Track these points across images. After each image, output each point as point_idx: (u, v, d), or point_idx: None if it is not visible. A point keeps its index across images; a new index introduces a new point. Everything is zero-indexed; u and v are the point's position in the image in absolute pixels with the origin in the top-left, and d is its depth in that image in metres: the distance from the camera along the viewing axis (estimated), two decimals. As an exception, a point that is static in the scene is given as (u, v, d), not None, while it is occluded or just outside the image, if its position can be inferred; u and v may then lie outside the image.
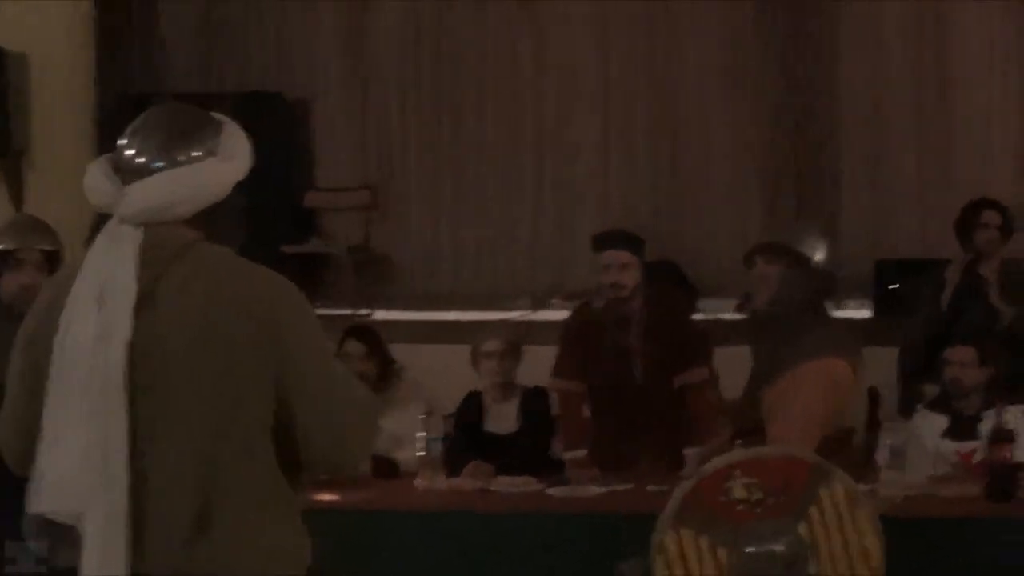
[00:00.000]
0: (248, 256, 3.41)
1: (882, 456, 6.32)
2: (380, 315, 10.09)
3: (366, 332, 7.90)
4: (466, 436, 7.49)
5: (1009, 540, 6.11)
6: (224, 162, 3.37)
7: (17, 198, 10.36)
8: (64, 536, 3.44)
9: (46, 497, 3.23)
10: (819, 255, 5.26)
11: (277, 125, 10.73)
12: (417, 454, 7.07)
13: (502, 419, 7.53)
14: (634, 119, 10.47)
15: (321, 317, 8.14)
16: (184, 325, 3.25)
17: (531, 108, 10.70)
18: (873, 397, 6.09)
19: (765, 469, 4.70)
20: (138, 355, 3.21)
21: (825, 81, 10.38)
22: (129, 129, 3.41)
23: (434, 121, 10.78)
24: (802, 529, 4.62)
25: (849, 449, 5.03)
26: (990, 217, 8.09)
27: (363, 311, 10.19)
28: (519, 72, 10.67)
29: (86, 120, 10.59)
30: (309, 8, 11.08)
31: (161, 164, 3.30)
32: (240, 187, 3.37)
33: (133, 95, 10.81)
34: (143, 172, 3.30)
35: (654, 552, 4.69)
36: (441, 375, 8.08)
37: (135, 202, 3.28)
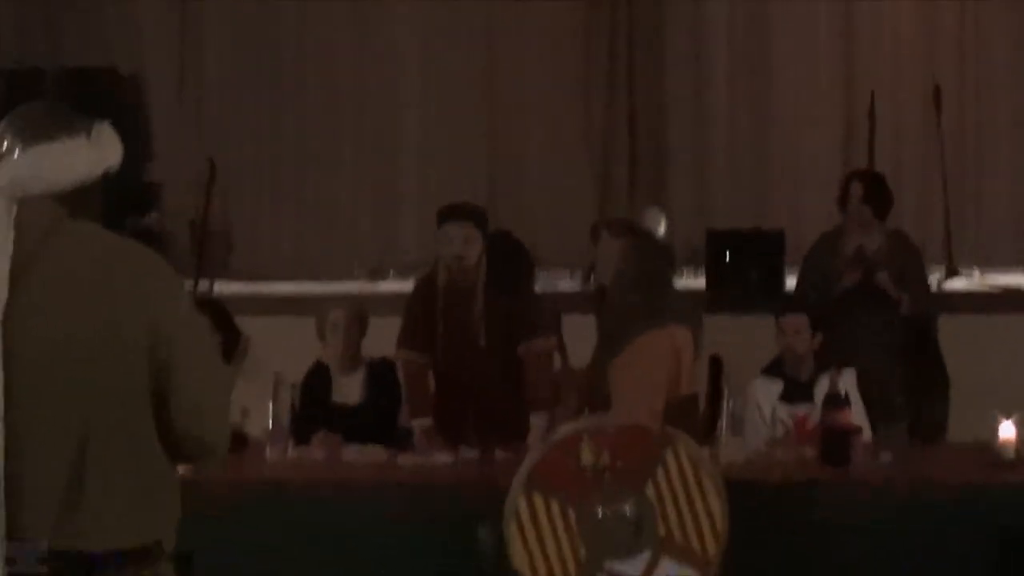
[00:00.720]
0: None
1: (724, 422, 6.53)
2: (220, 288, 10.09)
3: (213, 305, 7.85)
4: (313, 407, 7.43)
5: (842, 502, 6.25)
6: (94, 147, 3.44)
7: None
8: None
9: None
10: (660, 229, 5.40)
11: (113, 99, 10.75)
12: (266, 425, 7.13)
13: (349, 390, 7.50)
14: (467, 99, 10.66)
15: None
16: (61, 300, 3.29)
17: (360, 79, 10.87)
18: (716, 365, 6.26)
19: (612, 436, 4.80)
20: (13, 326, 3.24)
21: (652, 69, 10.63)
22: (6, 117, 3.47)
23: (269, 96, 10.89)
24: (649, 492, 4.73)
25: (694, 415, 5.13)
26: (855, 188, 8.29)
27: (203, 284, 10.11)
28: (352, 47, 10.85)
29: None
30: None
31: (32, 142, 3.37)
32: (107, 177, 3.43)
33: None
34: (15, 149, 3.37)
35: (508, 517, 4.80)
36: (285, 347, 8.02)
37: (10, 171, 3.34)
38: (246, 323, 7.95)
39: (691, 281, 9.56)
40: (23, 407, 3.24)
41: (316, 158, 10.79)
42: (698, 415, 5.18)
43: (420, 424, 7.13)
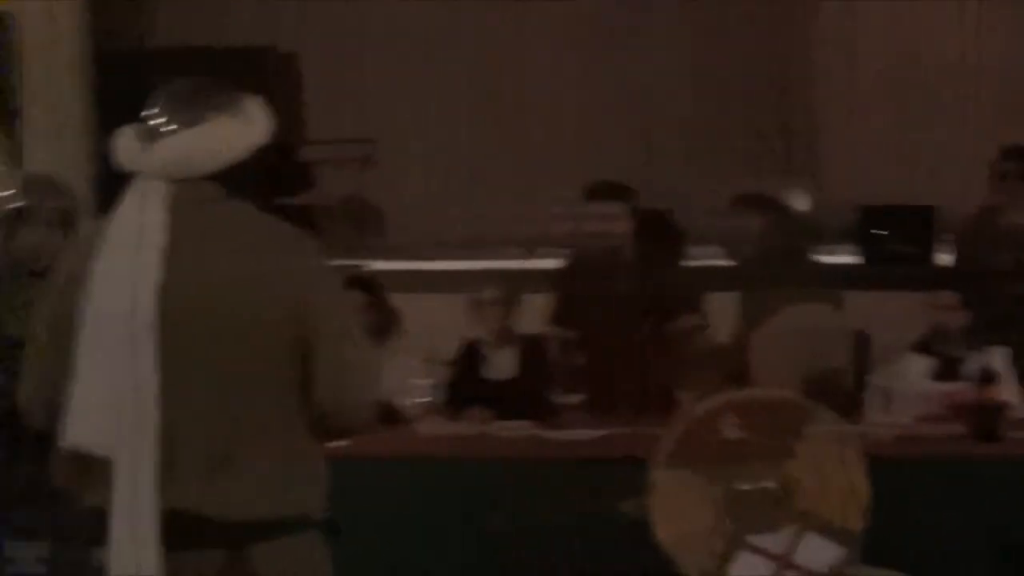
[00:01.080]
0: None
1: (871, 397, 6.56)
2: (376, 266, 10.10)
3: (367, 282, 7.97)
4: (466, 383, 7.58)
5: (993, 478, 6.31)
6: (244, 125, 3.54)
7: (17, 157, 10.54)
8: (89, 476, 3.45)
9: (77, 431, 3.37)
10: (802, 205, 5.43)
11: (268, 78, 10.74)
12: (418, 401, 7.26)
13: (501, 366, 7.61)
14: (620, 74, 10.59)
15: None
16: (211, 276, 3.39)
17: (516, 59, 10.79)
18: (862, 340, 6.29)
19: (753, 410, 4.87)
20: (167, 302, 3.34)
21: (803, 38, 10.48)
22: (154, 96, 3.56)
23: (423, 74, 10.87)
24: (790, 467, 4.79)
25: (836, 390, 5.15)
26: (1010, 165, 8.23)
27: (359, 262, 10.16)
28: (508, 25, 10.80)
29: (78, 77, 10.75)
30: None
31: (183, 124, 3.47)
32: (261, 154, 3.54)
33: (126, 51, 10.99)
34: (167, 133, 3.47)
35: (650, 491, 4.88)
36: (440, 323, 8.15)
37: (162, 158, 3.44)
38: (400, 300, 8.20)
39: (841, 257, 9.54)
40: (175, 377, 3.34)
41: (473, 138, 10.81)
42: (841, 390, 5.17)
43: (570, 400, 7.23)
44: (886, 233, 9.28)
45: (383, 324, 7.77)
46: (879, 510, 5.91)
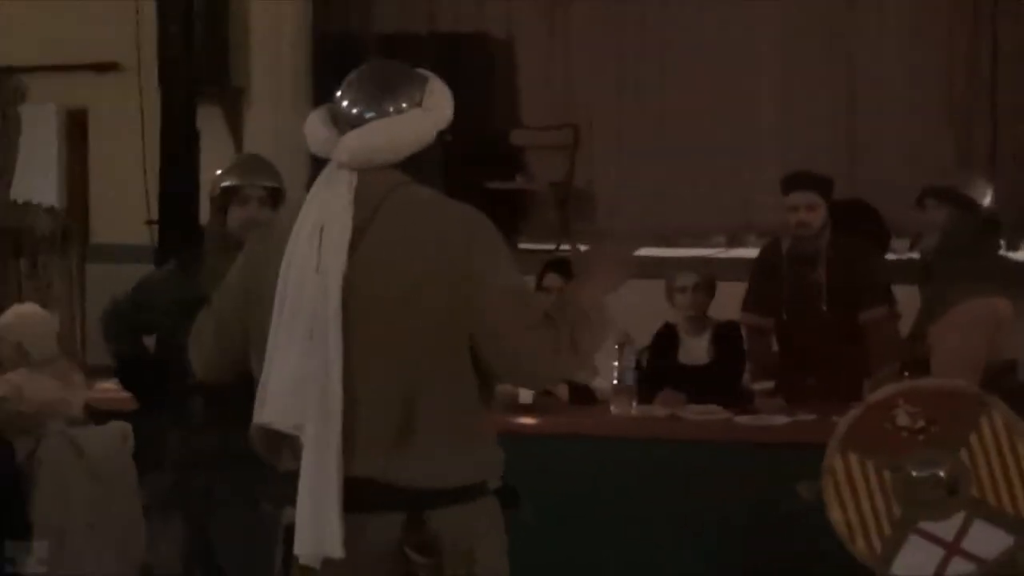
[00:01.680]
0: (454, 194, 3.65)
1: None
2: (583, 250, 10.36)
3: (565, 265, 7.81)
4: (660, 366, 7.61)
5: None
6: (428, 113, 3.63)
7: (236, 133, 10.87)
8: (283, 445, 3.59)
9: (269, 410, 3.52)
10: (986, 198, 5.38)
11: (482, 65, 11.10)
12: (612, 382, 7.33)
13: (694, 351, 7.62)
14: (816, 63, 10.60)
15: (525, 251, 8.43)
16: (392, 260, 3.51)
17: (721, 46, 10.77)
18: None
19: (928, 399, 4.83)
20: (352, 285, 3.48)
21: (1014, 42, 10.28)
22: (344, 82, 3.70)
23: (632, 64, 10.96)
24: (963, 455, 4.74)
25: (1011, 381, 5.08)
26: None
27: (566, 247, 10.39)
28: (714, 15, 10.80)
29: (302, 58, 11.05)
30: None
31: (372, 115, 3.60)
32: (443, 134, 3.63)
33: (345, 34, 11.32)
34: (356, 122, 3.60)
35: (825, 475, 4.86)
36: (636, 308, 8.23)
37: (349, 149, 3.57)
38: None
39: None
40: (359, 357, 3.49)
41: (679, 126, 10.81)
42: (1016, 382, 5.12)
43: (762, 387, 7.30)
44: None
45: None
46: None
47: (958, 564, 4.79)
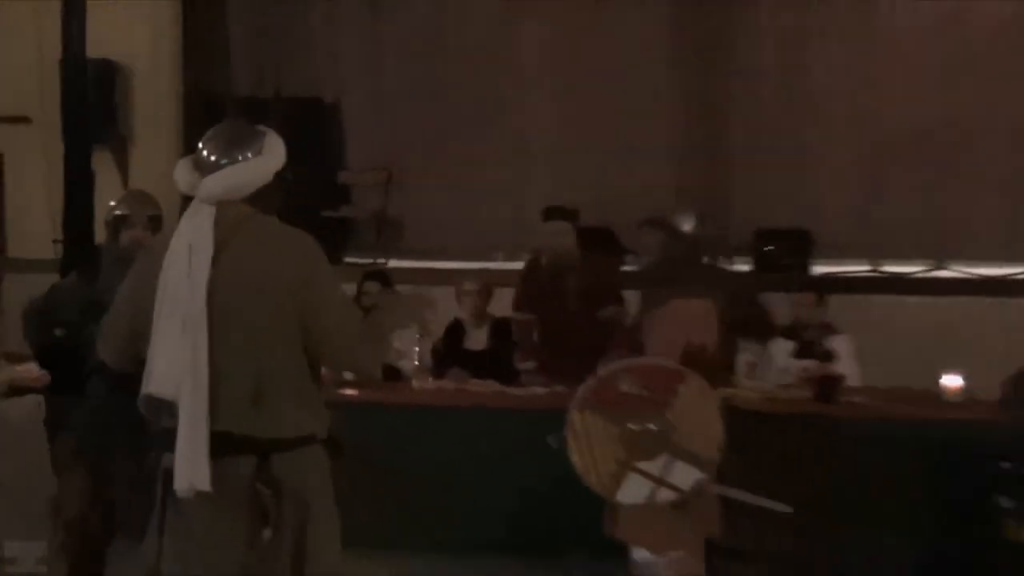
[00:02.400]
0: (293, 220, 3.73)
1: (741, 369, 6.77)
2: (394, 263, 10.26)
3: (380, 275, 8.17)
4: (451, 351, 7.72)
5: (829, 431, 6.47)
6: (266, 159, 3.73)
7: (124, 174, 10.58)
8: (163, 409, 3.59)
9: (154, 382, 3.57)
10: (689, 226, 5.47)
11: (316, 122, 10.98)
12: (414, 363, 7.46)
13: (477, 339, 7.76)
14: (580, 123, 10.53)
15: (351, 265, 8.34)
16: (245, 269, 3.60)
17: (495, 109, 10.77)
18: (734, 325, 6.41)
19: (643, 372, 4.93)
20: (214, 290, 3.57)
21: (721, 84, 10.41)
22: (204, 137, 3.77)
23: (434, 117, 10.89)
24: (668, 413, 4.86)
25: (710, 361, 5.13)
26: None
27: (381, 260, 10.39)
28: (501, 77, 10.78)
29: (174, 114, 10.83)
30: (338, 30, 11.20)
31: (225, 161, 3.67)
32: (283, 175, 3.72)
33: (208, 96, 11.08)
34: (213, 168, 3.67)
35: (567, 427, 4.95)
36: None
37: (209, 188, 3.65)
38: (406, 289, 8.31)
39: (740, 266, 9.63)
40: (220, 342, 3.57)
41: (469, 162, 10.78)
42: (713, 362, 5.16)
43: (526, 367, 7.37)
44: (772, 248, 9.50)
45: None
46: (745, 452, 6.10)
47: (664, 492, 4.90)
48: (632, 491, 4.92)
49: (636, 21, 10.42)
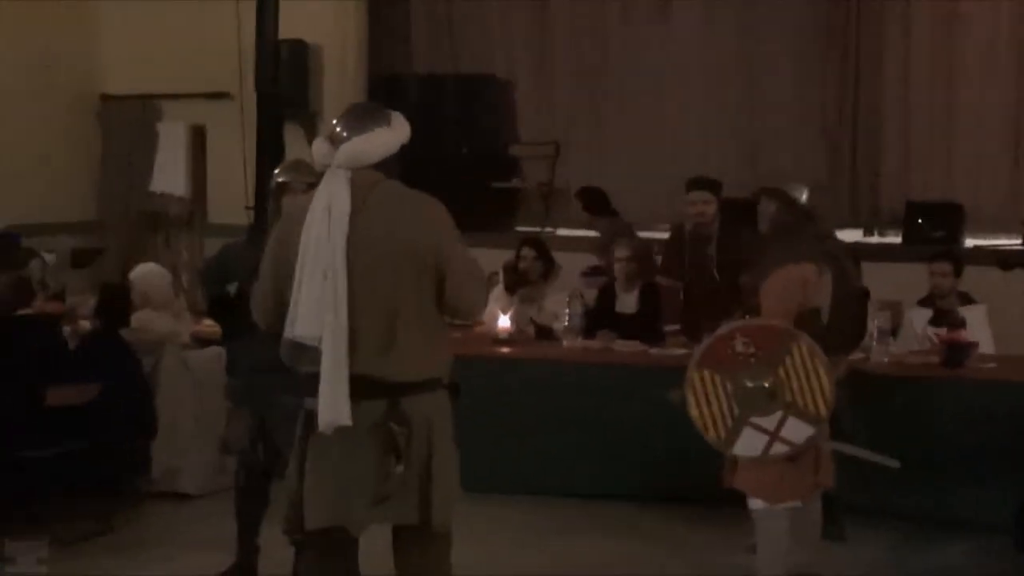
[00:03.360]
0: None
1: (873, 334, 6.74)
2: (562, 232, 10.52)
3: (537, 242, 8.34)
4: (602, 314, 7.77)
5: (959, 395, 6.54)
6: (392, 131, 3.91)
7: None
8: (304, 355, 3.77)
9: (298, 327, 3.75)
10: (803, 197, 5.51)
11: (490, 97, 11.27)
12: (563, 324, 7.64)
13: (627, 303, 7.80)
14: (728, 100, 10.69)
15: (520, 232, 8.47)
16: (379, 227, 3.80)
17: (656, 86, 10.91)
18: (865, 293, 6.48)
19: (756, 332, 4.98)
20: (352, 245, 3.77)
21: (871, 64, 10.32)
22: (339, 116, 3.97)
23: (599, 93, 11.11)
24: (780, 372, 4.89)
25: (816, 321, 5.16)
26: None
27: (549, 229, 10.57)
28: (650, 63, 10.94)
29: (358, 90, 11.19)
30: (510, 12, 11.49)
31: (356, 133, 3.86)
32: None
33: (392, 74, 11.47)
34: (346, 139, 3.87)
35: (686, 385, 5.01)
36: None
37: (343, 155, 3.84)
38: (562, 256, 8.57)
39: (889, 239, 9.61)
40: (360, 289, 3.78)
41: (630, 136, 10.89)
42: (819, 322, 5.17)
43: (671, 329, 7.43)
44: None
45: (546, 270, 8.16)
46: (879, 415, 6.21)
47: (778, 446, 4.96)
48: (748, 444, 4.98)
49: (786, 3, 10.48)
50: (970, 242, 9.39)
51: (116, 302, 7.07)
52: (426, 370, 3.89)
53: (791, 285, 5.14)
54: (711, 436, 5.02)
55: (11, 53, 10.88)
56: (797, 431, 4.95)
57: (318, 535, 3.91)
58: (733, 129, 10.59)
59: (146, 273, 7.52)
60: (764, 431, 4.96)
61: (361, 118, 3.95)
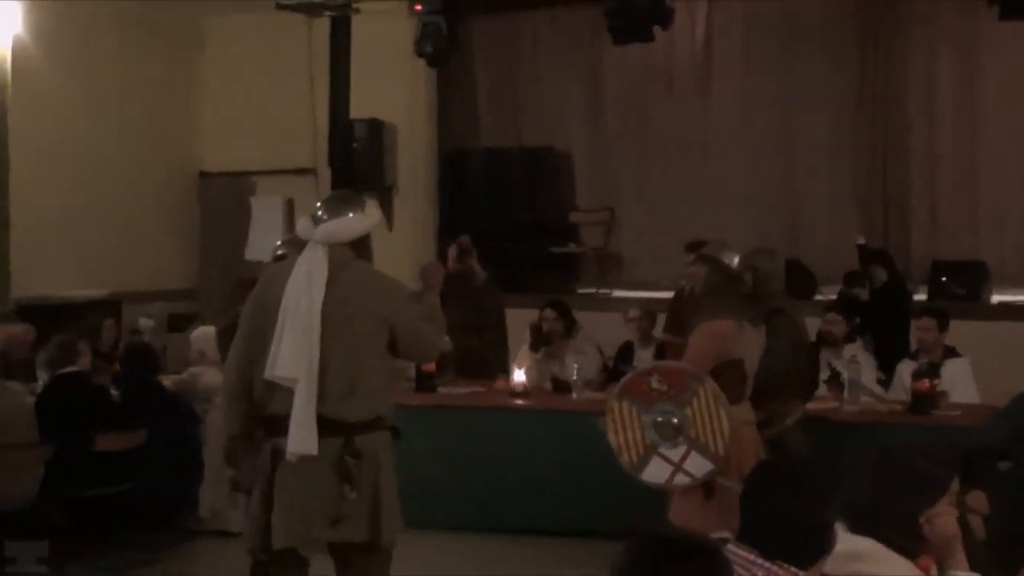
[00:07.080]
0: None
1: (832, 382, 7.22)
2: (618, 293, 11.03)
3: (559, 304, 8.85)
4: (620, 369, 8.12)
5: (923, 438, 6.61)
6: (364, 217, 4.48)
7: (388, 217, 11.45)
8: (274, 398, 4.28)
9: (278, 368, 4.28)
10: (733, 260, 5.85)
11: (550, 167, 11.95)
12: (581, 377, 8.00)
13: (643, 359, 8.25)
14: (767, 168, 11.23)
15: (582, 295, 9.11)
16: (348, 296, 4.37)
17: (698, 159, 11.51)
18: (814, 346, 6.90)
19: (670, 373, 5.37)
20: (326, 307, 4.32)
21: (897, 135, 10.79)
22: (321, 201, 4.57)
23: (646, 167, 11.74)
24: (687, 410, 5.26)
25: (737, 371, 5.49)
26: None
27: (605, 291, 11.12)
28: (695, 137, 11.51)
29: (430, 164, 12.03)
30: (565, 87, 12.14)
31: (333, 216, 4.44)
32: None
33: (460, 148, 12.23)
34: (325, 220, 4.45)
35: (607, 412, 5.38)
36: (608, 330, 8.94)
37: (321, 233, 4.41)
38: (596, 317, 9.25)
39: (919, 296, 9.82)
40: (328, 344, 4.33)
41: (678, 202, 11.41)
42: (741, 372, 5.53)
43: None
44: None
45: (567, 329, 8.69)
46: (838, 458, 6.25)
47: (680, 477, 5.35)
48: (655, 472, 5.35)
49: (820, 76, 11.01)
50: (996, 298, 9.75)
51: (138, 359, 7.73)
52: (375, 411, 4.49)
53: (710, 339, 5.57)
54: (624, 460, 5.41)
55: (119, 136, 11.76)
56: (698, 466, 5.33)
57: (283, 554, 4.46)
58: (771, 195, 11.08)
59: (202, 333, 8.16)
60: (670, 462, 5.35)
61: (339, 203, 4.54)
